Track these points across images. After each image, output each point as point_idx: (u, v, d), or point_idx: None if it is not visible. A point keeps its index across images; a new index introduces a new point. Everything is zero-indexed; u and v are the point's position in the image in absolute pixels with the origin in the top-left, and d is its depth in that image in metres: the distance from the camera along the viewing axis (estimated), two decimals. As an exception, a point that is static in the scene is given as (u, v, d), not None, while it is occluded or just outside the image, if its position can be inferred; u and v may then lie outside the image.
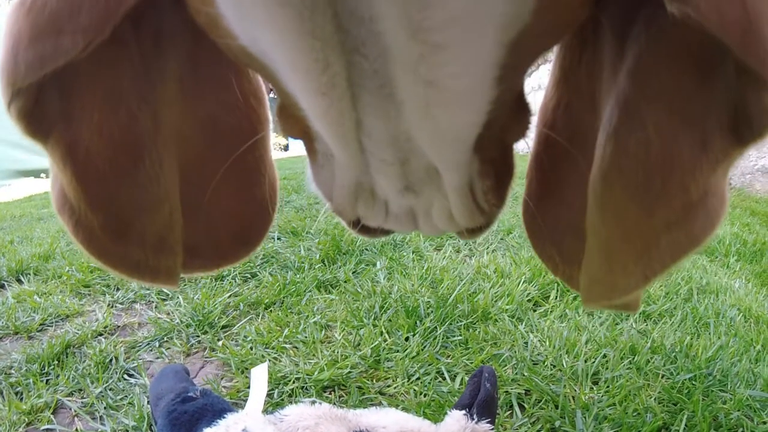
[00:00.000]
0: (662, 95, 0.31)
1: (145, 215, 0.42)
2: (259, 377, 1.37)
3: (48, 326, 1.92)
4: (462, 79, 0.29)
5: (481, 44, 0.27)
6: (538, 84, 10.60)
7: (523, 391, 1.39)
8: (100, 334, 1.82)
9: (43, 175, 10.93)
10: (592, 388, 1.40)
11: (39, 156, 10.87)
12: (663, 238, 0.33)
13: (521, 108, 0.39)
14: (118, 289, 2.23)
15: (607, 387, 1.40)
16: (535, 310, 1.89)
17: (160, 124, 0.42)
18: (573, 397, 1.36)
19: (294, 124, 0.39)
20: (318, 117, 0.32)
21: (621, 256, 0.36)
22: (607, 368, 1.47)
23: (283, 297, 2.06)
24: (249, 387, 1.17)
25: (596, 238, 0.38)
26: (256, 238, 0.57)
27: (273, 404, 1.35)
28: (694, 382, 1.40)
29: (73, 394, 1.46)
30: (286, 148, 23.58)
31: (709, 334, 1.68)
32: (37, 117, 0.35)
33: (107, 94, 0.38)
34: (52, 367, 1.59)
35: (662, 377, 1.45)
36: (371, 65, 0.29)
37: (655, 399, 1.35)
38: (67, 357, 1.65)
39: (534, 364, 1.51)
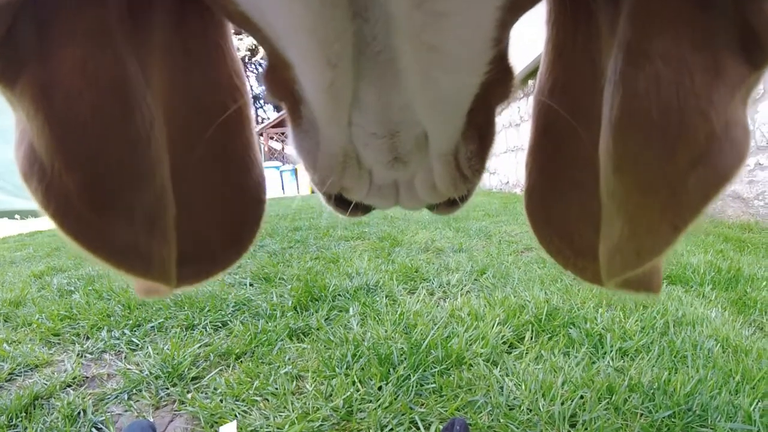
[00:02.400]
0: (665, 26, 0.30)
1: (134, 184, 0.35)
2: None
3: (17, 376, 1.89)
4: (464, 44, 0.29)
5: (482, 8, 0.27)
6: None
7: (500, 439, 1.36)
8: (69, 386, 1.79)
9: (17, 216, 10.85)
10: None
11: (13, 197, 10.82)
12: (690, 178, 0.30)
13: (506, 69, 0.37)
14: (87, 338, 2.22)
15: (585, 429, 1.37)
16: (510, 353, 1.86)
17: (150, 81, 0.37)
18: (550, 443, 1.33)
19: (282, 86, 0.37)
20: (321, 89, 0.31)
21: (645, 213, 0.33)
22: (584, 410, 1.44)
23: (254, 347, 2.02)
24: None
25: (614, 202, 0.35)
26: (249, 236, 0.52)
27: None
28: (673, 419, 1.38)
29: None
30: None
31: (687, 367, 1.66)
32: (6, 54, 0.30)
33: (92, 29, 0.32)
34: (20, 419, 1.56)
35: (641, 416, 1.42)
36: (371, 30, 0.29)
37: (634, 440, 1.33)
38: (35, 409, 1.62)
39: (510, 409, 1.48)
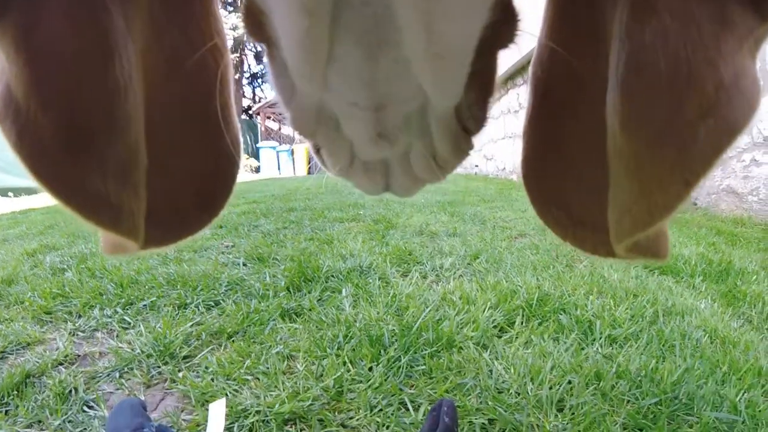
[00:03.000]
0: None
1: (109, 132, 0.34)
2: (217, 413, 1.35)
3: (9, 354, 1.89)
4: None
5: None
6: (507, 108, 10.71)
7: (487, 421, 1.37)
8: (61, 364, 1.79)
9: (10, 194, 10.80)
10: (557, 416, 1.38)
11: (6, 174, 10.75)
12: (700, 130, 0.30)
13: (510, 9, 0.36)
14: (80, 317, 2.21)
15: (572, 414, 1.38)
16: (500, 337, 1.87)
17: (131, 32, 0.36)
18: (537, 426, 1.34)
19: (258, 29, 0.35)
20: (294, 38, 0.30)
21: (655, 170, 0.32)
22: (571, 395, 1.46)
23: (246, 326, 2.02)
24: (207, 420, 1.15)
25: (622, 161, 0.35)
26: (221, 199, 0.50)
27: (232, 439, 1.32)
28: (659, 407, 1.39)
29: (32, 425, 1.43)
30: (257, 170, 23.54)
31: (675, 356, 1.67)
32: None
33: None
34: (12, 397, 1.57)
35: (627, 403, 1.43)
36: None
37: (620, 425, 1.34)
38: (26, 387, 1.63)
39: (498, 392, 1.49)
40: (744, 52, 0.30)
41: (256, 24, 0.35)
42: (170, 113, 0.45)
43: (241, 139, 0.51)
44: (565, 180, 0.47)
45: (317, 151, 0.48)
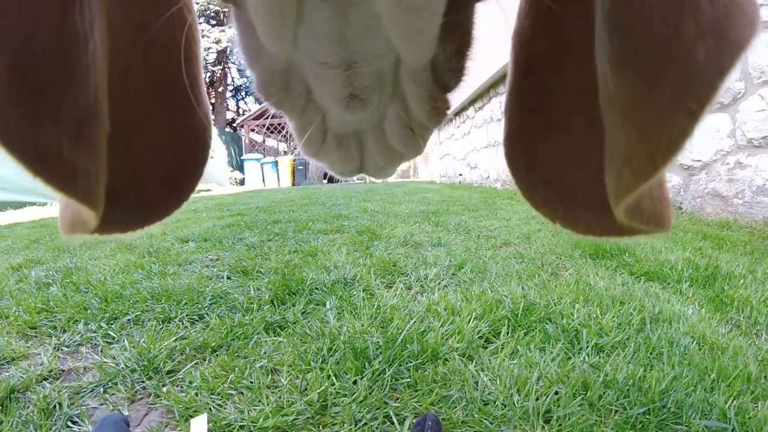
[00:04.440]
0: None
1: (64, 82, 0.31)
2: (199, 429, 1.33)
3: (-7, 369, 1.88)
4: None
5: None
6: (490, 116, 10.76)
7: (474, 434, 1.35)
8: (45, 379, 1.78)
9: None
10: (544, 427, 1.36)
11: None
12: (700, 51, 0.27)
13: None
14: (64, 331, 2.20)
15: (559, 425, 1.36)
16: (485, 347, 1.86)
17: None
18: (524, 438, 1.33)
19: None
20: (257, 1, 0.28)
21: (654, 105, 0.29)
22: (559, 406, 1.44)
23: (230, 340, 2.01)
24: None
25: (617, 107, 0.32)
26: (190, 181, 0.48)
27: (216, 455, 1.31)
28: (648, 416, 1.38)
29: None
30: (242, 182, 23.65)
31: (663, 364, 1.66)
32: None
33: None
34: (-4, 413, 1.55)
35: (615, 413, 1.42)
36: None
37: (608, 436, 1.32)
38: (11, 402, 1.61)
39: (484, 404, 1.47)
40: None
41: None
42: (137, 86, 0.43)
43: (212, 120, 0.50)
44: (553, 153, 0.45)
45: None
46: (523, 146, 0.46)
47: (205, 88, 0.49)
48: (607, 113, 0.33)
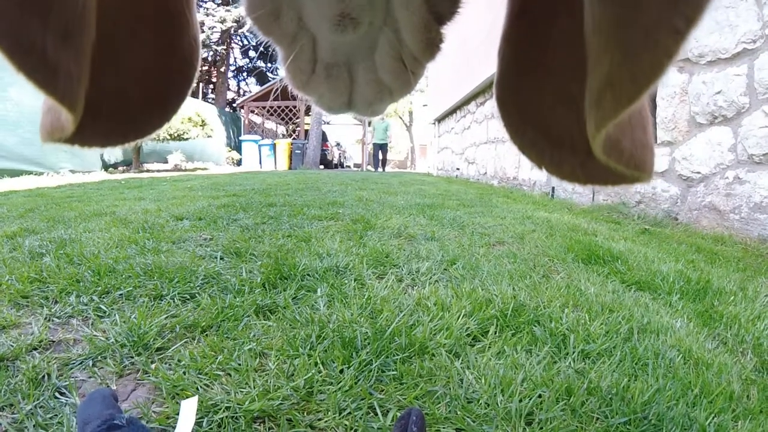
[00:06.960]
0: None
1: None
2: (188, 411, 1.34)
3: (-17, 337, 1.88)
4: None
5: None
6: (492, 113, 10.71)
7: (455, 431, 1.36)
8: (35, 349, 1.78)
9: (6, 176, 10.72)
10: (525, 429, 1.37)
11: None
12: None
13: None
14: (56, 302, 2.21)
15: (541, 428, 1.37)
16: (473, 345, 1.87)
17: None
18: (505, 439, 1.34)
19: None
20: None
21: (639, 26, 0.28)
22: (541, 409, 1.45)
23: (220, 321, 2.02)
24: (178, 415, 1.14)
25: (602, 34, 0.31)
26: (174, 101, 0.48)
27: (201, 435, 1.32)
28: (628, 426, 1.39)
29: (3, 409, 1.42)
30: (239, 163, 23.61)
31: (647, 376, 1.67)
32: None
33: None
34: (-16, 380, 1.55)
35: (597, 420, 1.43)
36: None
37: (588, 443, 1.33)
38: (0, 370, 1.61)
39: (468, 402, 1.48)
40: None
41: None
42: (125, 5, 0.43)
43: (201, 42, 0.50)
44: (544, 95, 0.45)
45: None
46: (513, 89, 0.47)
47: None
48: (591, 42, 0.33)
